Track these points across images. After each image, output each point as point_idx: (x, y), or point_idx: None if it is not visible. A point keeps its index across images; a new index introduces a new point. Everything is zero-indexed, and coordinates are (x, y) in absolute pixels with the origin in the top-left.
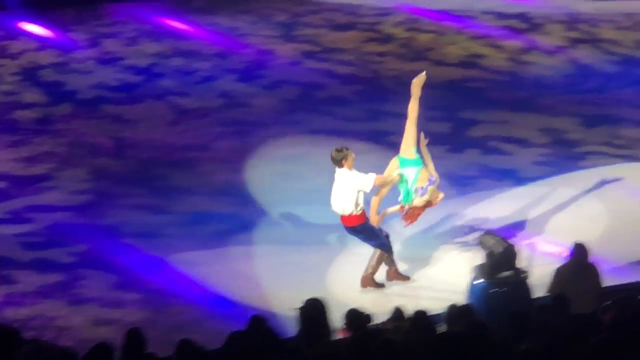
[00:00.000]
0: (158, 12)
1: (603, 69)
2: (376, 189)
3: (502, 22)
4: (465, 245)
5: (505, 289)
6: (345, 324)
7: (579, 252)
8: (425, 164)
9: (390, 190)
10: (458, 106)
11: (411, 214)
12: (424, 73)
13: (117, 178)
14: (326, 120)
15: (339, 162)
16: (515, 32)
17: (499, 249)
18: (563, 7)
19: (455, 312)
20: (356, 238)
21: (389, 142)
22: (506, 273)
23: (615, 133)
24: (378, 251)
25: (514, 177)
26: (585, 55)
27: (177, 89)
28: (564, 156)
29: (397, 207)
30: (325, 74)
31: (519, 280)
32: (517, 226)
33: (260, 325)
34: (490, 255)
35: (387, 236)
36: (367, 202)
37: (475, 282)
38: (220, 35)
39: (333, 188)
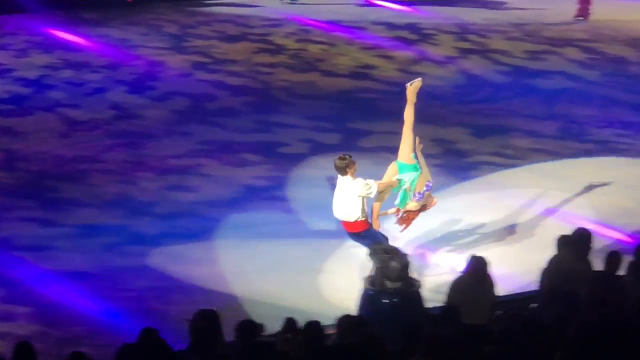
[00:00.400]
0: (48, 24)
1: (493, 79)
2: (376, 195)
3: (392, 33)
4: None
5: (396, 300)
6: (236, 334)
7: (475, 264)
8: (421, 169)
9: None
10: (349, 117)
11: (406, 218)
12: (419, 79)
13: (6, 191)
14: (217, 131)
15: (342, 170)
16: (406, 42)
17: (390, 259)
18: (453, 18)
19: (346, 323)
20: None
21: (279, 154)
22: (397, 284)
23: (505, 143)
24: None
25: None
26: (475, 65)
27: (67, 100)
28: (455, 166)
29: (393, 210)
30: (216, 85)
31: (410, 291)
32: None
33: (151, 337)
34: (381, 266)
35: (387, 239)
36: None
37: (365, 293)
38: (111, 47)
39: (335, 195)
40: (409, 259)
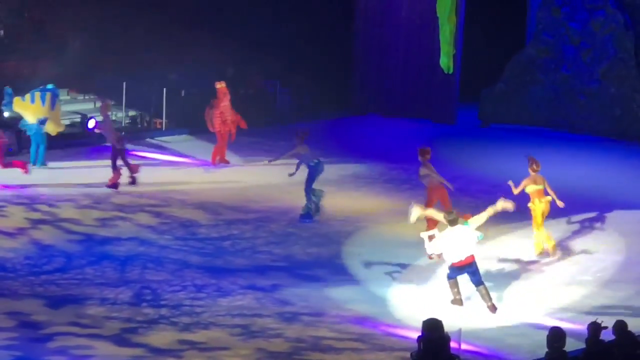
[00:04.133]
0: None
1: (65, 248)
2: None
3: None
4: None
5: None
6: None
7: None
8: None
9: None
10: None
11: None
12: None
13: None
14: None
15: (455, 222)
16: None
17: None
18: (24, 190)
19: None
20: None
21: None
22: None
23: (81, 312)
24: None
25: None
26: (46, 235)
27: None
28: (31, 339)
29: None
30: None
31: None
32: None
33: None
34: None
35: None
36: None
37: None
38: None
39: (454, 242)
40: None
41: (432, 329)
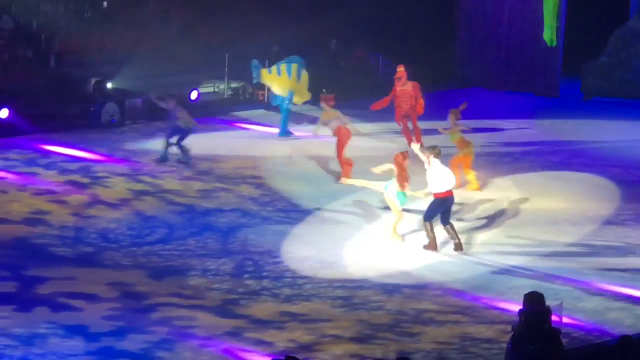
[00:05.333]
0: None
1: (167, 219)
2: None
3: (64, 178)
4: None
5: None
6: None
7: None
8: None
9: None
10: (24, 264)
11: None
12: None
13: None
14: None
15: (439, 154)
16: (78, 186)
17: None
18: (125, 161)
19: None
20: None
21: None
22: None
23: (183, 283)
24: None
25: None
26: (149, 206)
27: None
28: (134, 309)
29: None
30: None
31: None
32: None
33: None
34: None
35: None
36: None
37: None
38: None
39: (440, 173)
40: None
41: (534, 302)
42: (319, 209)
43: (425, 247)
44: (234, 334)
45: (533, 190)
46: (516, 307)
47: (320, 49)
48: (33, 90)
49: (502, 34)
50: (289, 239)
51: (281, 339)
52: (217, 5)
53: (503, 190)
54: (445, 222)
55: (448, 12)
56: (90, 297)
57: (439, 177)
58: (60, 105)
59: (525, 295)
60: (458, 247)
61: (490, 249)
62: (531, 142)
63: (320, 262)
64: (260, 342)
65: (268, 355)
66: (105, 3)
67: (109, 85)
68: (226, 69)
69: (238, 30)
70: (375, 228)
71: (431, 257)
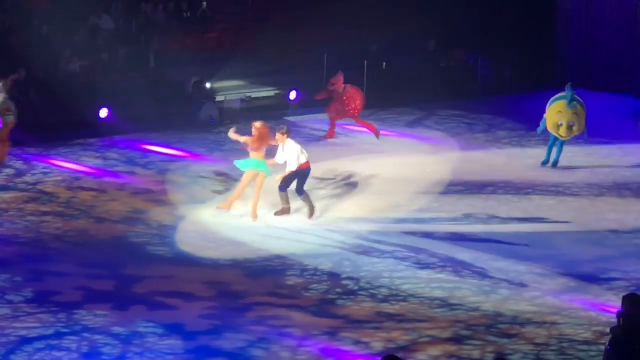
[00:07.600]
0: None
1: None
2: None
3: (162, 177)
4: None
5: None
6: None
7: None
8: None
9: None
10: (122, 263)
11: None
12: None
13: None
14: None
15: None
16: (176, 185)
17: None
18: (222, 160)
19: None
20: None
21: (54, 302)
22: None
23: (281, 282)
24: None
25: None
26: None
27: None
28: (230, 308)
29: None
30: None
31: None
32: None
33: None
34: None
35: None
36: None
37: None
38: None
39: (294, 151)
40: None
41: (633, 304)
42: (416, 209)
43: (277, 213)
44: (331, 333)
45: None
46: (614, 309)
47: (419, 50)
48: (132, 90)
49: (605, 35)
50: (386, 238)
51: (378, 339)
52: (315, 6)
53: None
54: (300, 192)
55: (548, 12)
56: (187, 296)
57: (295, 154)
58: (159, 105)
59: (624, 297)
60: (310, 212)
61: (584, 251)
62: None
63: (418, 262)
64: (357, 342)
65: (365, 355)
66: (204, 3)
67: (207, 85)
68: (324, 70)
69: (336, 30)
70: (476, 227)
71: (527, 257)
